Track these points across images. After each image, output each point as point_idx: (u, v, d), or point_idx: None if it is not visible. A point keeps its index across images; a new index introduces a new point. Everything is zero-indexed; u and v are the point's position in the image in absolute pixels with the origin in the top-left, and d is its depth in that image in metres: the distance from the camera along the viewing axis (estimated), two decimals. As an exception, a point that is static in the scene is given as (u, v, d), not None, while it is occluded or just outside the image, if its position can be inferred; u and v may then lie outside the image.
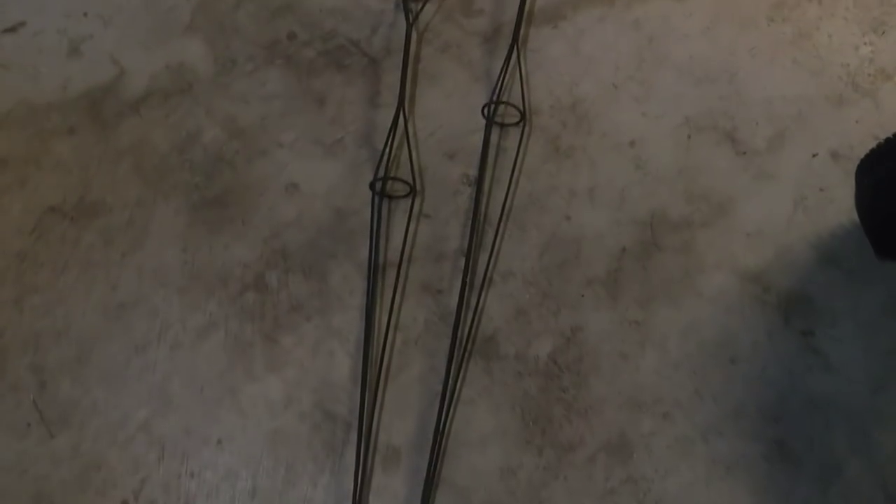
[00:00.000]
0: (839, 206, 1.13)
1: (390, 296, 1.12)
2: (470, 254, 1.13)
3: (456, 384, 1.07)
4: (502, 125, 1.23)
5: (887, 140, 0.99)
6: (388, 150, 1.19)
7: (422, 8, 1.32)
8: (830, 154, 1.17)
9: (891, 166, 0.98)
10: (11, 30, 1.36)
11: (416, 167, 1.20)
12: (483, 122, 1.22)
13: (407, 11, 1.30)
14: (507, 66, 1.25)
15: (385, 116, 1.24)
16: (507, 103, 1.22)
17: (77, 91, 1.29)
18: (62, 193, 1.21)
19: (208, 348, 1.11)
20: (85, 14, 1.36)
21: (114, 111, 1.27)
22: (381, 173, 1.19)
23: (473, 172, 1.20)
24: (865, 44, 1.26)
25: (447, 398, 1.05)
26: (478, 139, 1.22)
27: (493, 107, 1.22)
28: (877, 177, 1.00)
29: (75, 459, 1.05)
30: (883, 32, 1.27)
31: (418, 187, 1.19)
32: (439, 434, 1.04)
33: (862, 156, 1.08)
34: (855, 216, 1.09)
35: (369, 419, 1.05)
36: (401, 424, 1.05)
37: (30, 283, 1.15)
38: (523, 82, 1.25)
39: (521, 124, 1.22)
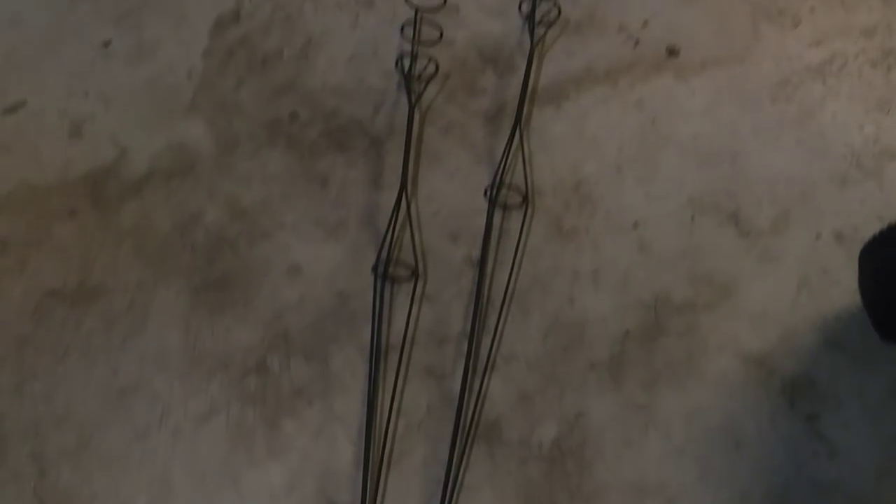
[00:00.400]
0: (843, 288, 1.19)
1: (392, 380, 1.18)
2: (473, 337, 1.19)
3: (459, 470, 1.12)
4: (505, 206, 1.29)
5: (889, 226, 1.05)
6: (390, 232, 1.26)
7: (425, 88, 1.39)
8: (834, 235, 1.24)
9: (893, 253, 1.04)
10: (12, 110, 1.43)
11: (418, 250, 1.26)
12: (486, 202, 1.29)
13: (409, 91, 1.38)
14: (510, 147, 1.32)
15: (387, 197, 1.31)
16: (510, 186, 1.29)
17: (78, 172, 1.36)
18: (63, 277, 1.28)
19: (209, 434, 1.16)
20: (86, 94, 1.44)
21: (115, 193, 1.34)
22: (384, 256, 1.25)
23: (476, 254, 1.26)
24: (870, 123, 1.33)
25: (450, 485, 1.11)
26: (480, 220, 1.28)
27: (495, 189, 1.29)
28: (880, 263, 1.06)
29: (75, 548, 1.11)
30: (888, 111, 1.34)
31: (420, 270, 1.25)
32: (442, 521, 1.09)
33: (866, 237, 1.14)
34: (859, 298, 1.15)
35: (371, 506, 1.11)
36: (403, 511, 1.11)
37: (30, 368, 1.21)
38: (526, 164, 1.32)
39: (524, 206, 1.29)
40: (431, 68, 1.40)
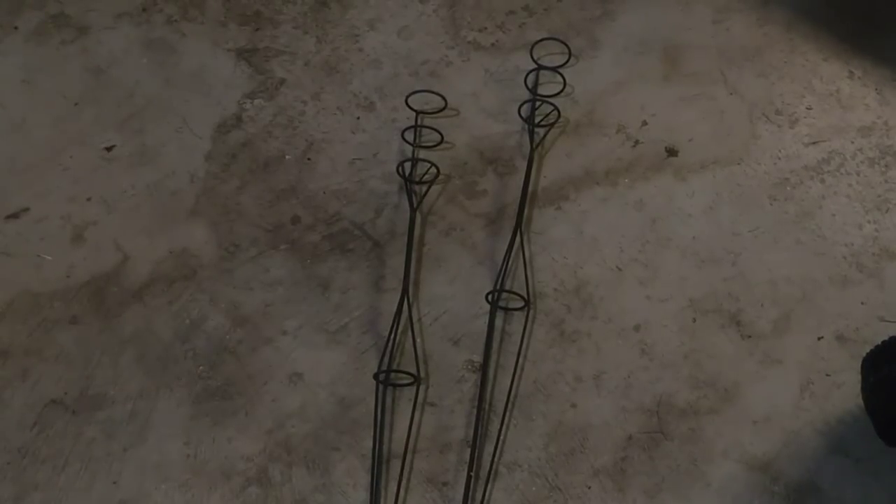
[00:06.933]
0: (846, 391, 1.22)
1: (395, 489, 1.20)
2: (475, 445, 1.21)
3: (462, 582, 1.14)
4: (506, 310, 1.32)
5: (891, 339, 1.08)
6: (392, 338, 1.29)
7: (427, 191, 1.43)
8: (836, 337, 1.26)
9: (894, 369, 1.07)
10: (14, 216, 1.46)
11: (419, 355, 1.29)
12: (487, 305, 1.32)
13: (410, 194, 1.42)
14: (511, 250, 1.35)
15: (389, 301, 1.34)
16: (511, 292, 1.32)
17: (80, 279, 1.39)
18: (64, 386, 1.30)
19: (210, 546, 1.18)
20: (89, 199, 1.47)
21: (117, 299, 1.37)
22: (386, 362, 1.28)
23: (478, 359, 1.29)
24: (869, 222, 1.36)
25: None
26: (482, 324, 1.31)
27: (497, 294, 1.31)
28: (882, 378, 1.08)
29: None
30: (887, 210, 1.37)
31: (422, 375, 1.28)
32: None
33: (868, 339, 1.17)
34: (862, 402, 1.17)
35: None
36: None
37: (30, 480, 1.23)
38: (527, 267, 1.35)
39: (526, 309, 1.32)
40: (432, 172, 1.43)
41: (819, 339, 1.27)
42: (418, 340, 1.31)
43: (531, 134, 1.46)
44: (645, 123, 1.48)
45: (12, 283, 1.39)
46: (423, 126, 1.48)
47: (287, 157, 1.49)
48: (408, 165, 1.44)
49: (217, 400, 1.28)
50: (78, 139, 1.53)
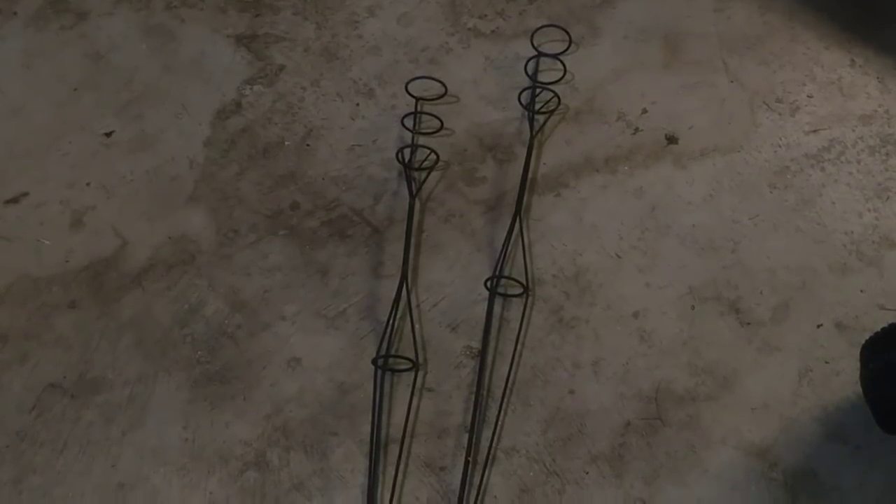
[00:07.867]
0: (845, 378, 1.22)
1: (392, 474, 1.20)
2: (473, 430, 1.22)
3: (459, 566, 1.15)
4: (505, 296, 1.33)
5: (891, 326, 1.08)
6: (391, 324, 1.29)
7: (426, 178, 1.44)
8: (835, 324, 1.27)
9: (894, 356, 1.07)
10: (14, 200, 1.47)
11: (418, 341, 1.30)
12: (486, 292, 1.33)
13: (410, 181, 1.42)
14: (510, 237, 1.36)
15: (388, 287, 1.34)
16: (510, 278, 1.33)
17: (79, 264, 1.40)
18: (63, 370, 1.31)
19: (208, 530, 1.19)
20: (88, 184, 1.48)
21: (115, 284, 1.38)
22: (384, 348, 1.28)
23: (476, 345, 1.30)
24: (869, 210, 1.37)
25: (450, 581, 1.13)
26: (480, 310, 1.32)
27: (495, 279, 1.32)
28: (882, 365, 1.09)
29: None
30: (887, 198, 1.38)
31: (420, 361, 1.29)
32: None
33: (867, 326, 1.17)
34: (860, 389, 1.18)
35: None
36: None
37: (29, 463, 1.24)
38: (526, 253, 1.35)
39: (524, 296, 1.32)
40: (432, 159, 1.44)
41: (818, 326, 1.27)
42: (417, 326, 1.31)
43: (531, 121, 1.47)
44: (645, 111, 1.48)
45: (11, 268, 1.40)
46: (422, 112, 1.49)
47: (286, 143, 1.50)
48: (407, 152, 1.45)
49: (215, 384, 1.28)
50: (77, 125, 1.54)
